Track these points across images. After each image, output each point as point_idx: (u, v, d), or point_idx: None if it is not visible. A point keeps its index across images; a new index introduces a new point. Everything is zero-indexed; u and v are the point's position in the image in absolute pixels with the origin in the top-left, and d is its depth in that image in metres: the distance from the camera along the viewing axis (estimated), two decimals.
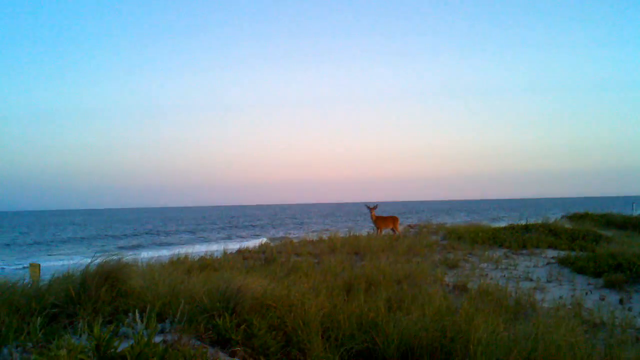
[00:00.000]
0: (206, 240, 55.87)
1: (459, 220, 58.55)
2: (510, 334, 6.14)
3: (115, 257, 8.67)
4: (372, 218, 21.87)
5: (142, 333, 5.68)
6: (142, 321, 5.92)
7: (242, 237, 59.50)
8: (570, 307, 10.04)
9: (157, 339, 5.35)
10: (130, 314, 6.11)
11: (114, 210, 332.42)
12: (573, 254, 16.39)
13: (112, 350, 3.78)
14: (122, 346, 4.05)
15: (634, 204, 45.04)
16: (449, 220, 41.67)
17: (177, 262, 13.19)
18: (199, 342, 5.51)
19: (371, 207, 21.88)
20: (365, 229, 27.47)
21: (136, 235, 69.40)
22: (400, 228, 23.21)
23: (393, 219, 22.55)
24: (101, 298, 6.80)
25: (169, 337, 5.39)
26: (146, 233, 73.30)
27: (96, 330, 3.85)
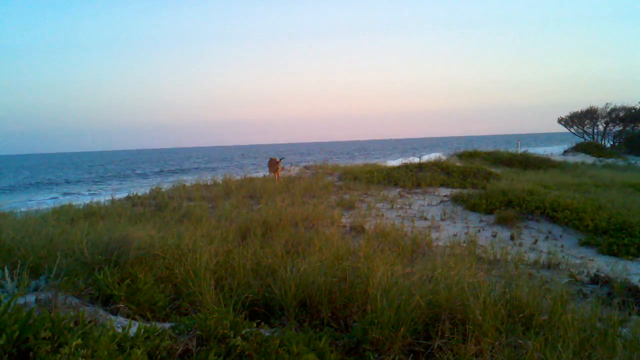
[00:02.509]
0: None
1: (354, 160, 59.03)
2: (410, 275, 6.00)
3: None
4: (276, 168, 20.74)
5: (14, 292, 5.12)
6: (12, 279, 5.34)
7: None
8: (464, 244, 10.14)
9: (30, 297, 4.81)
10: None
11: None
12: (465, 191, 16.75)
13: None
14: None
15: (519, 142, 46.95)
16: (344, 161, 41.88)
17: (60, 211, 12.32)
18: (77, 300, 5.00)
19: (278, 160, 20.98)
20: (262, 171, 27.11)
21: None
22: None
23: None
24: None
25: (42, 296, 4.85)
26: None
27: None
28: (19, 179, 74.17)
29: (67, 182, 65.15)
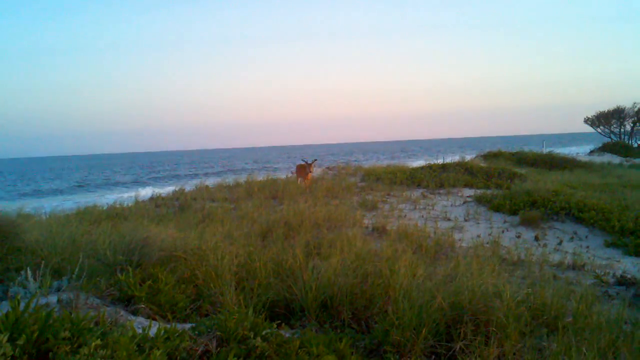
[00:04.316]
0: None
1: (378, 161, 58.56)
2: (432, 276, 5.95)
3: (9, 209, 7.99)
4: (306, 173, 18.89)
5: (37, 292, 5.16)
6: (35, 279, 5.38)
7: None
8: (488, 245, 10.05)
9: (52, 298, 4.84)
10: (22, 272, 5.54)
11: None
12: (489, 192, 16.59)
13: None
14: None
15: (544, 142, 46.49)
16: (367, 161, 41.73)
17: (84, 212, 12.43)
18: (99, 301, 5.02)
19: (310, 163, 19.04)
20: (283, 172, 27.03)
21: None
22: (315, 170, 22.03)
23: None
24: None
25: (64, 296, 4.88)
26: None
27: None
28: (67, 180, 73.21)
29: (115, 183, 63.86)
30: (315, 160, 20.01)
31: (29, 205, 15.62)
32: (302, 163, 19.28)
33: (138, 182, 60.52)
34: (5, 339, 2.99)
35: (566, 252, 10.21)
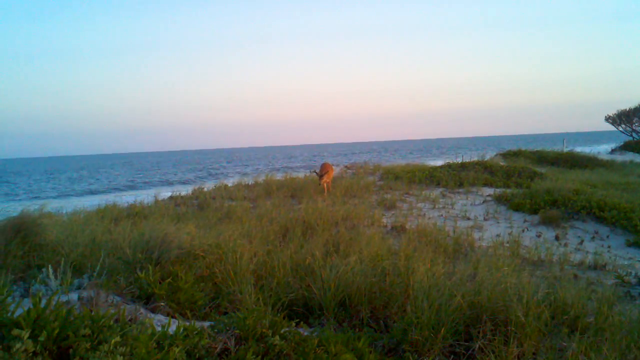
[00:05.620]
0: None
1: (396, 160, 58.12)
2: (451, 275, 5.92)
3: (32, 207, 8.07)
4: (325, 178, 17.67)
5: (58, 290, 5.21)
6: (56, 277, 5.43)
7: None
8: (508, 245, 9.98)
9: (73, 295, 4.89)
10: (44, 270, 5.60)
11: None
12: (509, 191, 16.48)
13: (8, 314, 3.28)
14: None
15: (565, 140, 46.05)
16: (386, 161, 41.58)
17: (104, 211, 12.52)
18: (119, 298, 5.06)
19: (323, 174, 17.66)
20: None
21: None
22: (335, 169, 21.78)
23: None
24: (12, 252, 6.23)
25: (85, 294, 4.92)
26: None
27: None
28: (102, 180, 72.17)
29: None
30: (328, 171, 18.10)
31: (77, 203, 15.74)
32: (327, 162, 18.67)
33: (163, 182, 60.36)
34: (27, 335, 3.03)
35: (587, 251, 10.13)
